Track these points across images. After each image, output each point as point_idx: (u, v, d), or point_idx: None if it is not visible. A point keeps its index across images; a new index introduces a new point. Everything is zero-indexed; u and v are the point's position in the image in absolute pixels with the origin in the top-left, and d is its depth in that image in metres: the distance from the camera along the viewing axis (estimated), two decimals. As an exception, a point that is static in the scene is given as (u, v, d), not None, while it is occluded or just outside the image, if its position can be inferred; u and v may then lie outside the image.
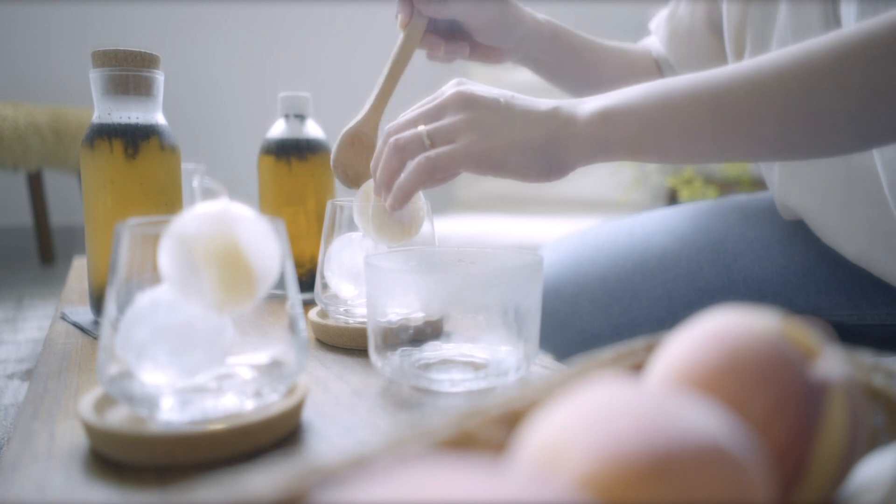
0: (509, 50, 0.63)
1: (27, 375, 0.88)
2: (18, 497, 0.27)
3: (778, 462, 0.19)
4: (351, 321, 0.50)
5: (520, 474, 0.15)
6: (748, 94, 0.41)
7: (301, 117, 0.67)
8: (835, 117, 0.39)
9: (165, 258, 0.29)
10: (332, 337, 0.49)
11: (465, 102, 0.46)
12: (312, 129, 0.68)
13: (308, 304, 0.56)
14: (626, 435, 0.16)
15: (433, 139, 0.46)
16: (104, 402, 0.33)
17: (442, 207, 1.98)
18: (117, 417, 0.32)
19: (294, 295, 0.34)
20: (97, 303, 0.54)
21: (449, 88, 0.48)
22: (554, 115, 0.46)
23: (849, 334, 0.61)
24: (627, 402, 0.17)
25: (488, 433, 0.21)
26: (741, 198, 0.74)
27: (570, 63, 0.68)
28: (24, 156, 1.61)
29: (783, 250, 0.62)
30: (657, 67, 0.74)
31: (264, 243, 0.31)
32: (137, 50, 0.52)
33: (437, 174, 0.45)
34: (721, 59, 0.67)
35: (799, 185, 0.59)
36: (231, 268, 0.29)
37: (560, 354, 0.73)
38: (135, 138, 0.52)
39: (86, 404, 0.32)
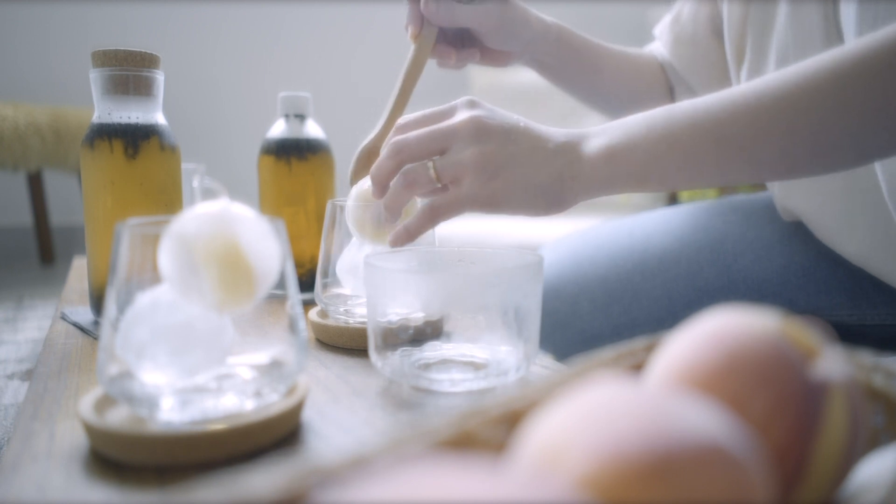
0: (517, 53, 0.64)
1: (27, 375, 0.88)
2: (18, 497, 0.27)
3: (778, 462, 0.19)
4: (351, 321, 0.50)
5: (520, 474, 0.15)
6: (750, 120, 0.41)
7: (301, 117, 0.67)
8: (836, 136, 0.40)
9: (165, 258, 0.29)
10: (332, 337, 0.49)
11: (476, 133, 0.45)
12: (312, 129, 0.68)
13: (308, 304, 0.56)
14: (626, 435, 0.16)
15: (440, 175, 0.45)
16: (104, 402, 0.33)
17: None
18: (117, 417, 0.32)
19: (294, 295, 0.34)
20: (97, 303, 0.54)
21: (462, 110, 0.47)
22: (561, 153, 0.46)
23: (849, 334, 0.61)
24: (627, 402, 0.17)
25: (488, 433, 0.21)
26: (741, 198, 0.74)
27: (575, 66, 0.68)
28: (24, 156, 1.61)
29: (783, 250, 0.62)
30: (662, 72, 0.74)
31: (264, 243, 0.31)
32: (137, 50, 0.52)
33: (441, 220, 0.46)
34: (725, 63, 0.67)
35: (799, 189, 0.59)
36: (231, 268, 0.29)
37: (560, 354, 0.73)
38: (135, 138, 0.52)
39: (86, 404, 0.32)
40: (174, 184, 0.54)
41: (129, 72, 0.51)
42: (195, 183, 0.82)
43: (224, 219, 0.30)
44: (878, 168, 0.51)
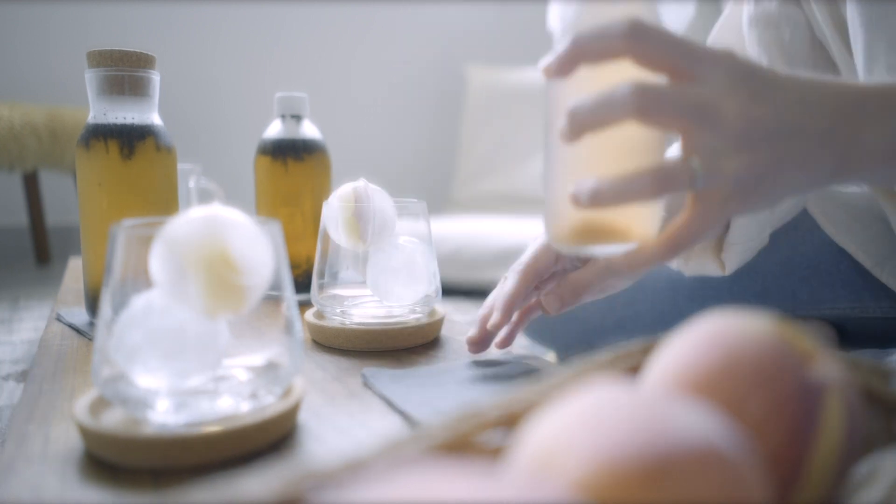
0: None
1: (22, 377, 0.88)
2: (13, 499, 0.26)
3: (774, 464, 0.19)
4: (347, 322, 0.50)
5: (516, 477, 0.15)
6: None
7: (297, 118, 0.67)
8: None
9: (155, 262, 0.29)
10: (328, 338, 0.49)
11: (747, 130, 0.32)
12: (309, 130, 0.67)
13: (304, 306, 0.56)
14: (623, 438, 0.16)
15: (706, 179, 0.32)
16: (99, 405, 0.33)
17: (438, 207, 1.98)
18: (112, 420, 0.32)
19: (290, 296, 0.33)
20: (92, 304, 0.53)
21: (715, 72, 0.32)
22: (828, 144, 0.34)
23: (851, 327, 0.61)
24: (623, 405, 0.17)
25: (484, 436, 0.21)
26: None
27: None
28: (20, 156, 1.60)
29: (787, 241, 0.62)
30: None
31: (256, 249, 0.30)
32: (133, 50, 0.52)
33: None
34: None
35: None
36: (220, 274, 0.29)
37: (561, 348, 0.73)
38: (130, 139, 0.51)
39: (81, 406, 0.32)
40: (170, 184, 0.54)
41: (125, 72, 0.51)
42: (191, 183, 0.82)
43: (214, 224, 0.30)
44: None
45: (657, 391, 0.19)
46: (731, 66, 0.32)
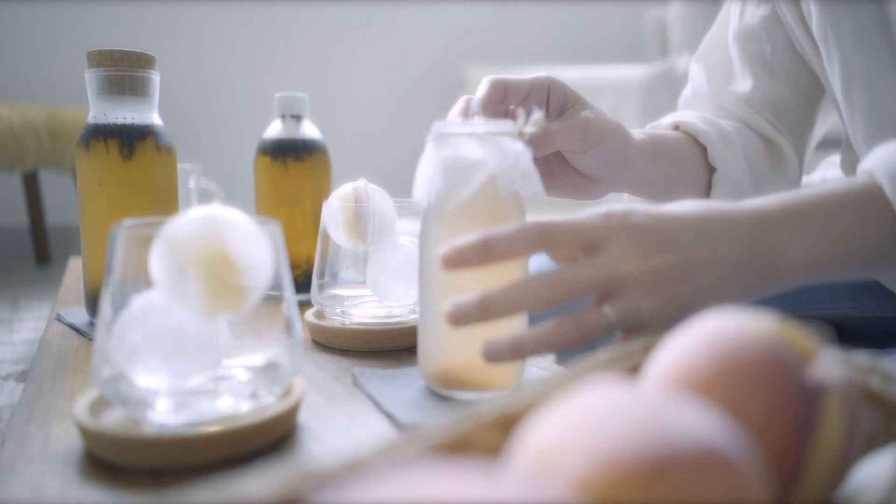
0: (611, 178, 0.52)
1: (22, 377, 0.88)
2: (13, 500, 0.26)
3: (775, 465, 0.19)
4: (347, 322, 0.50)
5: (516, 478, 0.15)
6: None
7: (298, 118, 0.67)
8: None
9: (155, 262, 0.29)
10: (328, 338, 0.49)
11: (652, 280, 0.33)
12: (309, 130, 0.67)
13: (304, 306, 0.56)
14: (622, 438, 0.16)
15: (621, 324, 0.34)
16: (99, 405, 0.33)
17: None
18: (112, 420, 0.32)
19: (290, 296, 0.33)
20: (92, 304, 0.53)
21: (614, 237, 0.34)
22: (749, 268, 0.34)
23: (850, 327, 0.61)
24: (623, 405, 0.17)
25: (484, 437, 0.21)
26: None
27: (676, 172, 0.56)
28: (20, 156, 1.60)
29: None
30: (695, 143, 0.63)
31: (256, 249, 0.30)
32: (133, 50, 0.52)
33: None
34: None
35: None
36: (219, 274, 0.29)
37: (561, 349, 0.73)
38: (130, 139, 0.51)
39: (81, 406, 0.32)
40: (170, 184, 0.54)
41: (125, 72, 0.51)
42: (191, 183, 0.82)
43: (214, 224, 0.30)
44: None
45: (657, 391, 0.19)
46: (627, 231, 0.34)
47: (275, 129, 0.67)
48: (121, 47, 0.52)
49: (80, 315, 0.56)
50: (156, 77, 0.53)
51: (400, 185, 0.74)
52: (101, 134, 0.51)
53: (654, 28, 2.27)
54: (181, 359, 0.30)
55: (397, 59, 2.25)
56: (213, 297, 0.29)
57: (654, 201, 0.58)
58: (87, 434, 0.30)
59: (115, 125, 0.51)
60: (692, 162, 0.58)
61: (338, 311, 0.51)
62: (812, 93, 0.61)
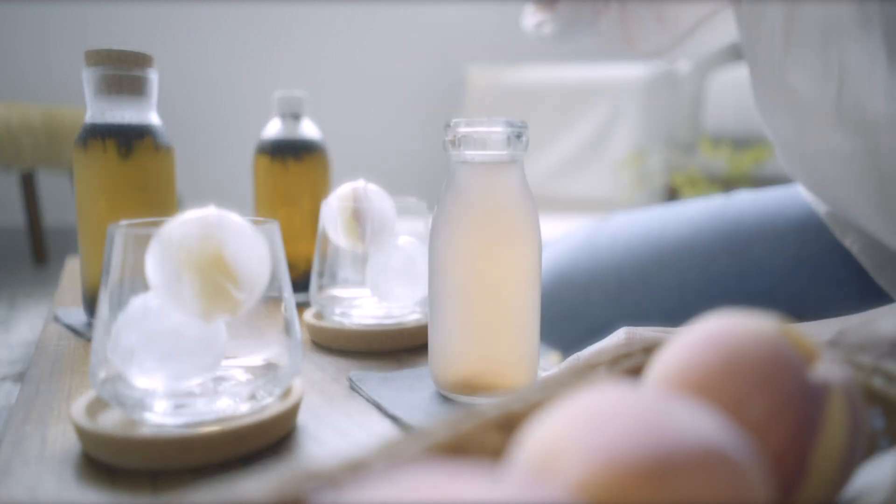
0: None
1: (19, 377, 0.87)
2: (10, 501, 0.26)
3: (777, 466, 0.19)
4: (347, 323, 0.50)
5: (516, 478, 0.14)
6: None
7: (297, 117, 0.67)
8: None
9: (150, 264, 0.29)
10: (327, 339, 0.49)
11: None
12: (308, 129, 0.67)
13: (303, 306, 0.56)
14: (623, 439, 0.16)
15: None
16: (97, 405, 0.33)
17: (438, 208, 1.98)
18: (110, 421, 0.31)
19: (289, 297, 0.33)
20: (90, 304, 0.53)
21: None
22: None
23: None
24: (625, 406, 0.17)
25: (485, 437, 0.21)
26: (755, 192, 0.74)
27: None
28: (17, 156, 1.60)
29: (796, 241, 0.62)
30: None
31: (253, 252, 0.30)
32: (130, 49, 0.51)
33: None
34: None
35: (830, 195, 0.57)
36: (214, 277, 0.29)
37: (566, 347, 0.73)
38: (128, 138, 0.51)
39: (78, 407, 0.31)
40: (168, 184, 0.54)
41: (123, 71, 0.51)
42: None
43: (211, 226, 0.29)
44: None
45: (659, 392, 0.19)
46: None
47: (274, 129, 0.67)
48: (119, 47, 0.51)
49: (77, 316, 0.56)
50: (154, 76, 0.53)
51: (400, 185, 0.74)
52: (99, 133, 0.51)
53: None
54: (179, 360, 0.30)
55: (397, 58, 2.25)
56: (208, 300, 0.29)
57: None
58: (85, 435, 0.30)
59: (113, 125, 0.51)
60: None
61: (337, 311, 0.51)
62: None
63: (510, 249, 0.36)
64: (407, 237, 0.52)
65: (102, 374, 0.31)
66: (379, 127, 2.23)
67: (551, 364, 0.47)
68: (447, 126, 0.37)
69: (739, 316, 0.21)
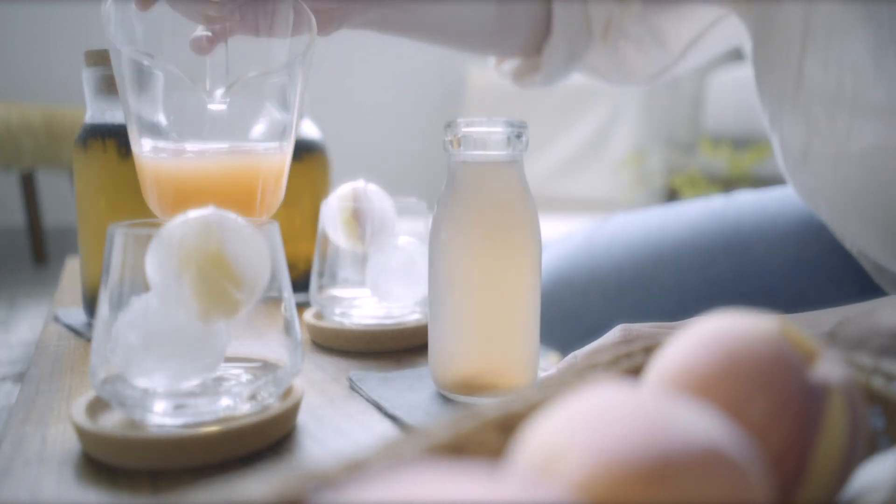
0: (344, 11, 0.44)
1: (19, 378, 0.87)
2: (10, 501, 0.26)
3: (777, 466, 0.19)
4: (347, 323, 0.50)
5: (516, 479, 0.14)
6: None
7: (296, 118, 0.67)
8: None
9: (151, 264, 0.29)
10: (327, 339, 0.49)
11: None
12: (308, 130, 0.67)
13: (303, 306, 0.56)
14: (624, 439, 0.16)
15: None
16: (97, 406, 0.33)
17: (438, 208, 1.98)
18: (110, 421, 0.31)
19: (289, 297, 0.33)
20: (90, 304, 0.53)
21: None
22: None
23: None
24: (625, 406, 0.17)
25: (485, 437, 0.21)
26: (752, 193, 0.74)
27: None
28: (17, 156, 1.60)
29: (796, 241, 0.62)
30: None
31: (252, 252, 0.30)
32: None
33: None
34: None
35: (825, 200, 0.57)
36: (214, 278, 0.29)
37: (565, 347, 0.73)
38: (128, 139, 0.51)
39: (78, 407, 0.31)
40: (168, 184, 0.54)
41: (123, 71, 0.51)
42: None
43: (210, 226, 0.29)
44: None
45: (658, 392, 0.19)
46: None
47: (273, 129, 0.67)
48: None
49: (77, 316, 0.56)
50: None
51: (400, 185, 0.74)
52: (99, 134, 0.51)
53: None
54: (179, 361, 0.30)
55: (397, 58, 2.25)
56: (208, 300, 0.29)
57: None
58: (85, 435, 0.30)
59: (113, 125, 0.51)
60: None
61: (337, 311, 0.51)
62: None
63: (510, 249, 0.36)
64: (407, 237, 0.52)
65: (102, 375, 0.31)
66: (379, 127, 2.23)
67: (551, 364, 0.47)
68: (447, 126, 0.37)
69: (739, 316, 0.21)
